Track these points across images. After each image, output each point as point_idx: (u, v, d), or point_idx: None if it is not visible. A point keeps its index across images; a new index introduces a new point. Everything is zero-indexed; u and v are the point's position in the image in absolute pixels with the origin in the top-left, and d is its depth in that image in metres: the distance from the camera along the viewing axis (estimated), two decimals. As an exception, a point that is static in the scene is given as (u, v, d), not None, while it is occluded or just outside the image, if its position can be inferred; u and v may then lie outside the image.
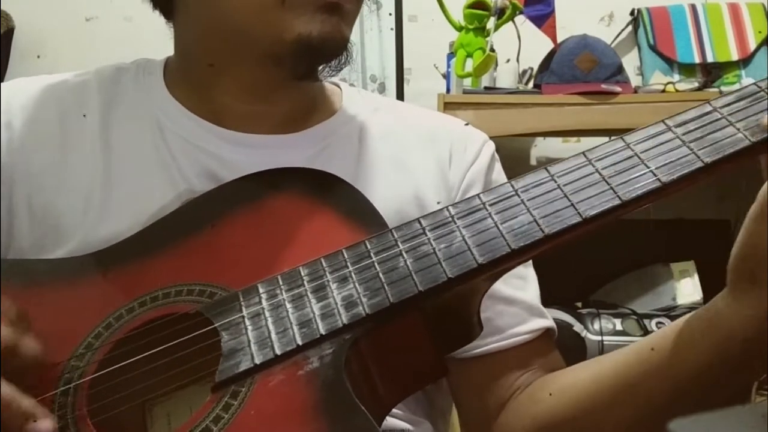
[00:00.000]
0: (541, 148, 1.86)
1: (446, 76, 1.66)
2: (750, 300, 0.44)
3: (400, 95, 1.79)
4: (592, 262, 1.48)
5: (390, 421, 0.59)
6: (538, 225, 0.45)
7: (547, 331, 0.65)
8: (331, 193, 0.54)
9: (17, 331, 0.45)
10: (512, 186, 0.48)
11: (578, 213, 0.45)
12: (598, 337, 1.35)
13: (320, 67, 0.61)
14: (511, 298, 0.63)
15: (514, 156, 1.81)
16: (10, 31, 1.91)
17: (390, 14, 1.83)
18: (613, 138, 0.48)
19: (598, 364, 0.56)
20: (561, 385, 0.58)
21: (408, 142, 0.67)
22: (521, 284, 0.65)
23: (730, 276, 0.45)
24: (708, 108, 0.47)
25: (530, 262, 0.67)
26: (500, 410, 0.61)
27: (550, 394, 0.58)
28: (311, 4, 0.56)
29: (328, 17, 0.56)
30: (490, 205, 0.47)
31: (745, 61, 1.62)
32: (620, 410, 0.52)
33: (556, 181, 0.47)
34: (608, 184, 0.45)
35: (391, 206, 0.59)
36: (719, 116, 0.46)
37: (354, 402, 0.42)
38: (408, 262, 0.46)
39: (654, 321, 1.38)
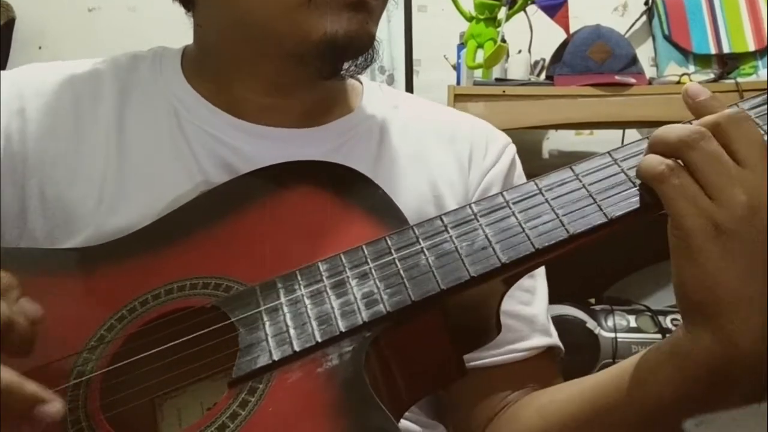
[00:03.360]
0: (554, 140, 1.85)
1: (456, 68, 1.65)
2: (704, 330, 0.43)
3: (409, 87, 1.77)
4: (605, 257, 1.46)
5: (404, 423, 0.59)
6: (563, 225, 0.45)
7: (550, 350, 0.64)
8: (351, 188, 0.53)
9: (7, 302, 0.41)
10: (536, 185, 0.47)
11: (604, 213, 0.45)
12: (612, 334, 1.33)
13: (345, 65, 0.60)
14: (514, 312, 0.62)
15: (526, 149, 1.80)
16: (11, 22, 1.90)
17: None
18: (640, 138, 0.48)
19: (573, 386, 0.56)
20: (539, 404, 0.58)
21: (428, 139, 0.66)
22: (527, 298, 0.64)
23: (679, 308, 0.45)
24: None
25: (543, 273, 0.66)
26: (487, 424, 0.61)
27: (530, 413, 0.58)
28: (337, 3, 0.55)
29: (354, 15, 0.56)
30: (514, 203, 0.47)
31: (762, 52, 1.60)
32: None
33: (581, 181, 0.46)
34: (634, 184, 0.45)
35: (410, 204, 0.59)
36: None
37: (374, 401, 0.42)
38: (429, 260, 0.46)
39: (669, 317, 1.37)
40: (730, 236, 0.41)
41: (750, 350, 0.41)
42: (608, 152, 0.47)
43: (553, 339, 0.64)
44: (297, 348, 0.44)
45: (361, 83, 0.70)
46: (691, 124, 0.44)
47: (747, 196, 0.41)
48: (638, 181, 0.45)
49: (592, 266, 1.45)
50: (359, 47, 0.57)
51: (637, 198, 0.45)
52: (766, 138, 0.44)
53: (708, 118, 0.44)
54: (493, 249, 0.45)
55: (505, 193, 0.48)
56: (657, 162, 0.43)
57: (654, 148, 0.44)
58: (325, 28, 0.55)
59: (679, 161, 0.43)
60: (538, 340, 0.63)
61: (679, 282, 0.43)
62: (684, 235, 0.42)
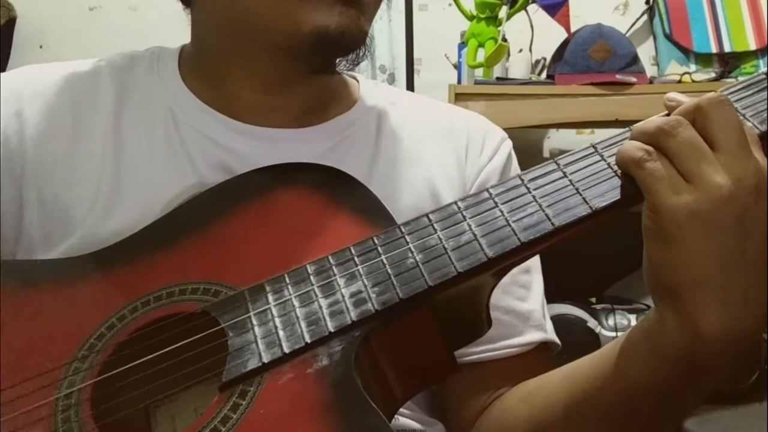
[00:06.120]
0: (555, 139, 1.84)
1: (457, 67, 1.65)
2: (670, 312, 0.43)
3: (410, 86, 1.77)
4: (606, 256, 1.46)
5: (403, 421, 0.59)
6: (548, 218, 0.45)
7: (545, 345, 0.63)
8: (340, 190, 0.53)
9: None
10: (521, 179, 0.47)
11: (588, 205, 0.45)
12: (613, 333, 1.33)
13: (337, 60, 0.60)
14: (509, 308, 0.62)
15: (526, 148, 1.79)
16: (12, 21, 1.91)
17: None
18: (623, 130, 0.47)
19: (558, 374, 0.56)
20: (526, 392, 0.58)
21: (425, 135, 0.66)
22: (523, 294, 0.64)
23: (649, 290, 0.44)
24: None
25: (538, 269, 0.66)
26: (479, 416, 0.61)
27: (516, 401, 0.58)
28: None
29: (346, 9, 0.55)
30: (499, 198, 0.47)
31: (763, 51, 1.59)
32: (573, 420, 0.52)
33: (564, 174, 0.46)
34: (618, 175, 0.45)
35: (408, 201, 0.59)
36: None
37: (365, 399, 0.41)
38: (417, 258, 0.46)
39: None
40: (703, 219, 0.41)
41: (711, 333, 0.41)
42: (592, 144, 0.47)
43: (548, 334, 0.64)
44: (286, 349, 0.44)
45: (357, 81, 0.70)
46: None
47: (723, 180, 0.41)
48: (622, 172, 0.45)
49: (593, 265, 1.44)
50: (350, 42, 0.57)
51: (621, 188, 0.45)
52: (749, 124, 0.45)
53: (688, 103, 0.44)
54: (480, 244, 0.45)
55: (490, 188, 0.47)
56: (634, 148, 0.43)
57: (635, 138, 0.44)
58: (317, 22, 0.55)
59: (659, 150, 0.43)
60: (533, 336, 0.62)
61: (649, 264, 0.43)
62: (658, 217, 0.42)
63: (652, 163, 0.42)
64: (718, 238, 0.41)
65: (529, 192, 0.46)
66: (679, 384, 0.44)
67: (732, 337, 0.41)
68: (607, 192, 0.45)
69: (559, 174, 0.46)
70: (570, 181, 0.46)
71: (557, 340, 0.65)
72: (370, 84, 0.70)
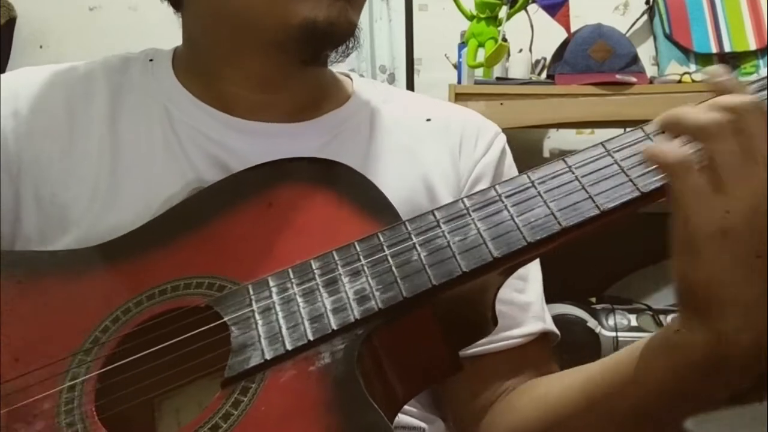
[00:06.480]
0: (555, 139, 1.84)
1: (457, 67, 1.65)
2: (699, 326, 0.43)
3: (410, 86, 1.77)
4: (606, 256, 1.46)
5: (403, 418, 0.59)
6: (555, 218, 0.44)
7: (545, 336, 0.63)
8: (343, 184, 0.53)
9: None
10: (529, 177, 0.47)
11: (596, 205, 0.44)
12: (613, 333, 1.33)
13: (328, 53, 0.60)
14: (508, 299, 0.62)
15: (526, 148, 1.79)
16: (12, 21, 1.91)
17: None
18: (631, 128, 0.47)
19: (570, 376, 0.55)
20: (536, 393, 0.58)
21: (419, 131, 0.66)
22: (521, 285, 0.64)
23: (678, 300, 0.44)
24: None
25: (536, 261, 0.66)
26: (485, 413, 0.61)
27: (526, 402, 0.58)
28: None
29: (334, 1, 0.56)
30: (506, 197, 0.46)
31: (763, 51, 1.59)
32: (585, 424, 0.52)
33: (573, 173, 0.46)
34: (627, 175, 0.45)
35: (401, 195, 0.59)
36: None
37: (366, 398, 0.41)
38: (422, 256, 0.46)
39: (670, 317, 1.36)
40: (736, 238, 0.41)
41: (741, 351, 0.42)
42: (601, 143, 0.47)
43: (548, 324, 0.64)
44: (289, 347, 0.44)
45: (350, 78, 0.70)
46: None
47: (757, 198, 0.41)
48: (631, 173, 0.45)
49: (593, 265, 1.44)
50: (339, 34, 0.57)
51: (630, 189, 0.44)
52: None
53: (729, 101, 0.42)
54: (485, 243, 0.45)
55: (497, 186, 0.47)
56: (672, 153, 0.42)
57: (672, 129, 0.43)
58: (305, 14, 0.55)
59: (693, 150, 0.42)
60: (533, 326, 0.62)
61: (680, 276, 0.43)
62: (690, 233, 0.41)
63: (690, 177, 0.42)
64: (748, 258, 0.41)
65: (537, 192, 0.46)
66: (695, 393, 0.45)
67: (755, 348, 0.42)
68: (616, 193, 0.44)
69: (568, 173, 0.46)
70: (579, 181, 0.45)
71: (557, 331, 0.65)
72: (363, 82, 0.70)
